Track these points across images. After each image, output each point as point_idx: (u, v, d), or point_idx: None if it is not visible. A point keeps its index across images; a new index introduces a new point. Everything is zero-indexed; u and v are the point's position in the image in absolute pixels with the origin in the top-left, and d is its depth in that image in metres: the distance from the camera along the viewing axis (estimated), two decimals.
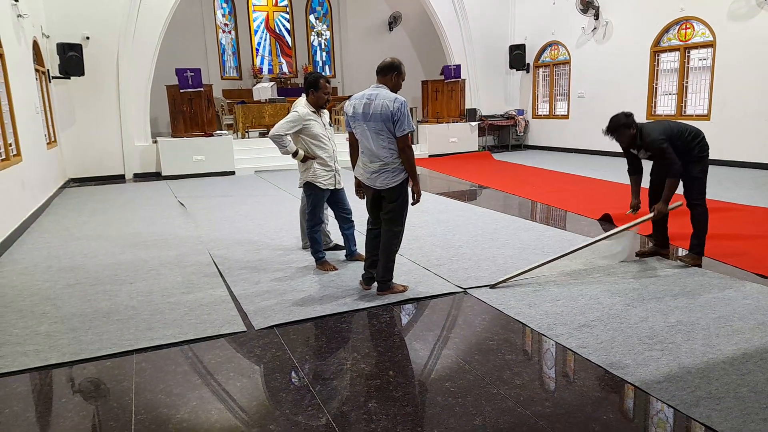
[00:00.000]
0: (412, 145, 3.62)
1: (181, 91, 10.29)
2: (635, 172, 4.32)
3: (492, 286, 3.83)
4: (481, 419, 2.25)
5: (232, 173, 10.58)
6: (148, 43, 10.29)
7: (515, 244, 4.91)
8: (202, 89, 10.42)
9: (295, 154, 4.22)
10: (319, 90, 4.17)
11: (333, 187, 4.34)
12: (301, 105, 4.25)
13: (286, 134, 4.15)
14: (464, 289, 3.83)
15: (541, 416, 2.26)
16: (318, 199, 4.32)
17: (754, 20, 8.40)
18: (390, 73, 3.51)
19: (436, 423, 2.24)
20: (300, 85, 14.18)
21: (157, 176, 10.48)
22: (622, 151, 4.31)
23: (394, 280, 3.78)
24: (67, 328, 3.34)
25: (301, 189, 4.48)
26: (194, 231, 5.82)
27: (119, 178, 10.45)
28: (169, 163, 10.26)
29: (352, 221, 4.51)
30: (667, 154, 3.89)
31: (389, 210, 3.60)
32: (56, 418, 2.42)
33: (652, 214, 4.09)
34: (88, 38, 9.86)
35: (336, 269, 4.33)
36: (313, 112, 4.23)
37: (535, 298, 3.58)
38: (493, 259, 4.48)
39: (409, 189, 3.58)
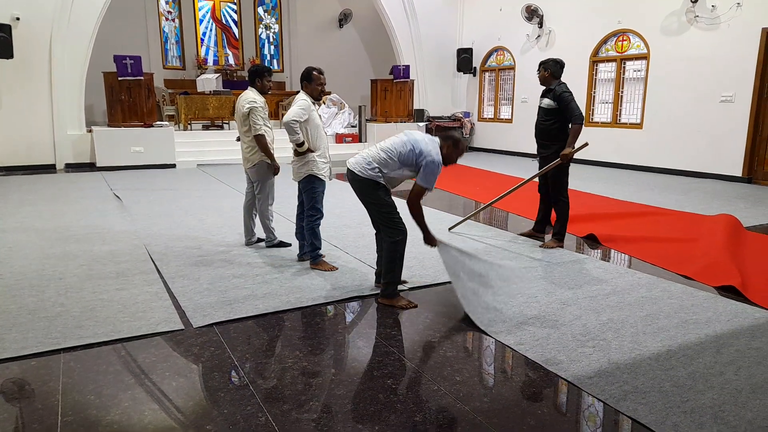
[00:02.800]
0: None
1: (120, 78, 9.84)
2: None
3: (449, 229, 4.69)
4: (422, 415, 2.28)
5: (173, 166, 10.22)
6: (85, 27, 9.77)
7: (458, 242, 4.99)
8: (142, 78, 9.99)
9: (300, 145, 4.06)
10: (312, 82, 4.09)
11: (328, 179, 4.27)
12: (302, 95, 4.12)
13: (300, 121, 3.99)
14: (408, 287, 3.87)
15: (480, 411, 2.32)
16: (320, 192, 4.22)
17: (684, 36, 8.92)
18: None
19: (378, 420, 2.25)
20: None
21: (91, 167, 9.97)
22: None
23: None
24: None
25: (256, 183, 4.56)
26: (130, 225, 5.57)
27: (50, 168, 9.88)
28: (105, 154, 9.79)
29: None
30: (573, 103, 4.65)
31: None
32: None
33: (558, 159, 4.66)
34: (18, 19, 9.25)
35: (336, 269, 4.21)
36: (312, 102, 4.14)
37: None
38: (437, 258, 4.55)
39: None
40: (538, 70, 4.91)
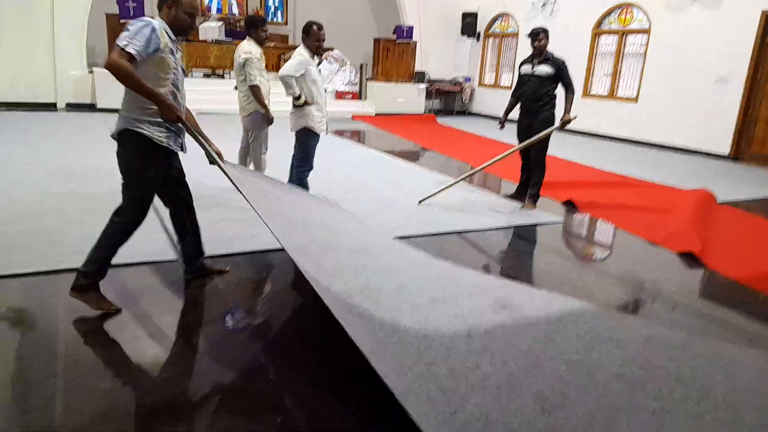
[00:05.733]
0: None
1: (122, 21, 9.81)
2: (517, 97, 5.17)
3: (419, 202, 4.83)
4: None
5: None
6: None
7: (442, 202, 5.22)
8: None
9: (297, 98, 4.19)
10: (311, 36, 4.20)
11: (324, 133, 4.43)
12: (301, 49, 4.24)
13: (295, 75, 4.12)
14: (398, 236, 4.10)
15: None
16: (312, 145, 4.38)
17: (686, 13, 8.94)
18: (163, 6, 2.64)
19: None
20: None
21: (91, 108, 10.07)
22: (524, 63, 5.09)
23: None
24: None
25: (250, 131, 4.78)
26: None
27: (50, 107, 9.97)
28: (106, 96, 9.86)
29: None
30: (568, 72, 4.83)
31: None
32: None
33: (558, 124, 4.82)
34: None
35: None
36: (311, 57, 4.25)
37: None
38: (421, 213, 4.78)
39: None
40: (537, 38, 4.87)
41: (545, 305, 2.85)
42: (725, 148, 8.60)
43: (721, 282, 3.66)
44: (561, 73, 4.83)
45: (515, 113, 5.24)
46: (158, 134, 2.63)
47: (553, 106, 4.98)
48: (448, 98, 14.17)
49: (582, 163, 7.70)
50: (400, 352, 2.20)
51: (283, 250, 3.18)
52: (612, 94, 10.40)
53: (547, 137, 4.94)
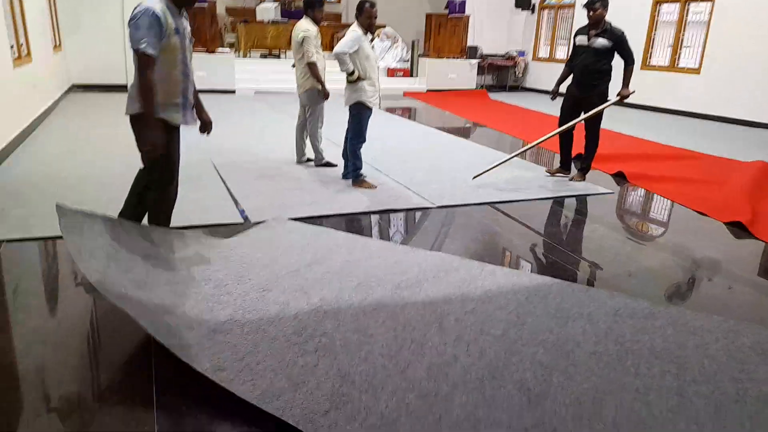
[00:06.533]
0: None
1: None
2: (571, 68, 5.01)
3: (473, 178, 4.86)
4: None
5: (233, 92, 10.81)
6: None
7: (493, 178, 5.34)
8: (206, 4, 10.46)
9: (351, 74, 4.40)
10: (363, 13, 4.39)
11: (377, 107, 4.66)
12: (355, 27, 4.44)
13: (349, 52, 4.34)
14: (435, 204, 4.32)
15: None
16: (365, 118, 4.58)
17: None
18: None
19: None
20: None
21: None
22: (580, 34, 4.92)
23: None
24: (88, 208, 3.82)
25: (307, 107, 5.07)
26: (198, 141, 6.23)
27: (122, 88, 10.66)
28: None
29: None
30: (628, 44, 4.66)
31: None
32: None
33: (617, 98, 4.72)
34: None
35: (375, 187, 4.66)
36: (364, 33, 4.45)
37: None
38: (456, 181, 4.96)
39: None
40: (593, 7, 4.63)
41: (511, 284, 2.92)
42: None
43: (765, 250, 3.68)
44: (621, 45, 4.64)
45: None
46: (172, 114, 2.84)
47: (609, 79, 4.81)
48: (501, 73, 14.03)
49: (637, 136, 7.58)
50: (368, 371, 2.10)
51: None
52: (673, 65, 10.05)
53: (602, 112, 4.84)
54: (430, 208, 4.28)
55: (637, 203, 4.90)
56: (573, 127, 5.01)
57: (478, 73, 13.21)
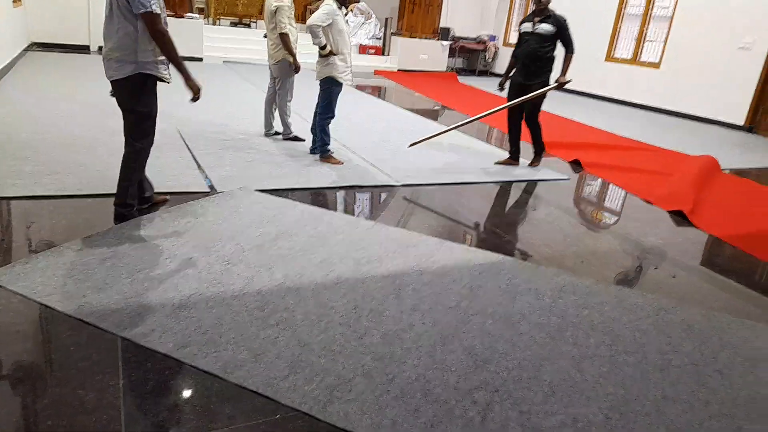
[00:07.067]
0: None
1: None
2: (516, 56, 5.05)
3: (409, 145, 5.13)
4: None
5: (200, 59, 10.61)
6: None
7: (457, 160, 5.52)
8: None
9: (323, 48, 4.40)
10: None
11: (349, 83, 4.68)
12: (329, 0, 4.42)
13: (322, 25, 4.33)
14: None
15: None
16: (335, 93, 4.61)
17: None
18: None
19: None
20: None
21: None
22: (525, 22, 4.97)
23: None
24: (49, 170, 3.80)
25: (278, 79, 5.07)
26: (164, 108, 6.14)
27: (84, 49, 10.33)
28: None
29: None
30: (570, 31, 4.78)
31: (124, 116, 3.11)
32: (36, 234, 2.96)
33: (555, 84, 4.85)
34: None
35: (341, 163, 4.73)
36: (339, 8, 4.45)
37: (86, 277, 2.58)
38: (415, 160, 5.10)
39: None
40: None
41: (466, 260, 3.13)
42: (740, 119, 8.66)
43: (702, 238, 3.97)
44: (563, 32, 4.75)
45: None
46: (163, 72, 3.09)
47: (551, 69, 4.92)
48: (472, 57, 14.16)
49: (597, 127, 7.87)
50: (327, 340, 2.25)
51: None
52: (635, 58, 10.38)
53: (541, 97, 4.95)
54: (395, 186, 4.41)
55: (590, 190, 5.15)
56: (520, 116, 5.14)
57: (449, 56, 13.30)
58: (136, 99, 3.03)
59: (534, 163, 5.32)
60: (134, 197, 3.23)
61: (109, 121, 5.30)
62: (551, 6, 4.86)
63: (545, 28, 4.78)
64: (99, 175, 3.83)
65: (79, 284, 2.48)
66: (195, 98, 3.14)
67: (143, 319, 2.28)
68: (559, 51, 4.91)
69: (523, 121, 5.18)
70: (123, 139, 3.16)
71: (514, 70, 5.10)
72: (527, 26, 4.91)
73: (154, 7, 2.85)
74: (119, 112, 3.13)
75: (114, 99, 3.11)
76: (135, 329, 2.21)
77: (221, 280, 2.65)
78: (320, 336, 2.29)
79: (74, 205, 3.38)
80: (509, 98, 5.09)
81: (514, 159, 5.34)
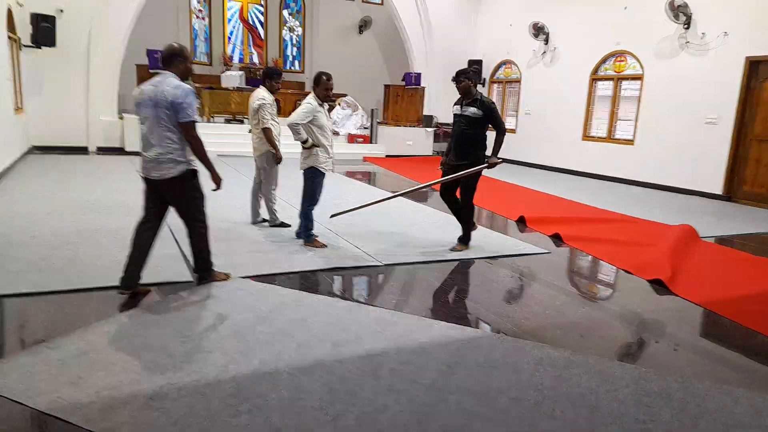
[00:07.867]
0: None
1: (150, 70, 10.66)
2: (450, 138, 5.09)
3: (330, 216, 5.21)
4: None
5: None
6: (122, 21, 10.66)
7: (431, 232, 5.64)
8: None
9: (305, 142, 4.66)
10: (320, 85, 4.70)
11: (331, 171, 4.91)
12: (311, 98, 4.72)
13: (301, 123, 4.61)
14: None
15: None
16: (319, 182, 4.83)
17: (675, 59, 9.47)
18: (175, 60, 3.47)
19: None
20: None
21: (120, 151, 10.83)
22: (456, 104, 4.99)
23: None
24: (36, 268, 3.88)
25: (262, 169, 5.38)
26: None
27: (82, 150, 10.75)
28: (134, 140, 10.63)
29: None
30: (498, 114, 4.92)
31: (177, 205, 3.63)
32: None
33: (485, 165, 4.80)
34: (61, 11, 10.14)
35: (325, 246, 4.85)
36: (319, 105, 4.73)
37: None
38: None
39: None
40: (458, 80, 4.86)
41: (445, 336, 3.15)
42: (718, 188, 8.94)
43: (681, 305, 4.01)
44: (491, 115, 4.81)
45: None
46: (196, 165, 3.62)
47: (483, 149, 4.91)
48: None
49: (576, 201, 8.09)
50: (299, 424, 2.23)
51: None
52: (609, 136, 10.86)
53: (474, 178, 4.90)
54: (378, 266, 4.49)
55: (570, 262, 5.24)
56: (454, 198, 5.11)
57: (434, 140, 13.86)
58: (192, 189, 3.59)
59: (458, 247, 5.04)
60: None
61: (97, 216, 5.47)
62: (480, 89, 4.82)
63: (472, 110, 4.81)
64: (83, 270, 3.91)
65: (53, 379, 2.48)
66: (217, 188, 3.75)
67: (114, 412, 2.27)
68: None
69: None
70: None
71: (447, 151, 5.15)
72: (456, 109, 4.98)
73: (196, 116, 3.43)
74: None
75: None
76: (103, 423, 2.20)
77: (196, 369, 2.65)
78: (293, 420, 2.28)
79: (59, 300, 3.43)
80: (442, 177, 5.07)
81: (463, 243, 5.11)
